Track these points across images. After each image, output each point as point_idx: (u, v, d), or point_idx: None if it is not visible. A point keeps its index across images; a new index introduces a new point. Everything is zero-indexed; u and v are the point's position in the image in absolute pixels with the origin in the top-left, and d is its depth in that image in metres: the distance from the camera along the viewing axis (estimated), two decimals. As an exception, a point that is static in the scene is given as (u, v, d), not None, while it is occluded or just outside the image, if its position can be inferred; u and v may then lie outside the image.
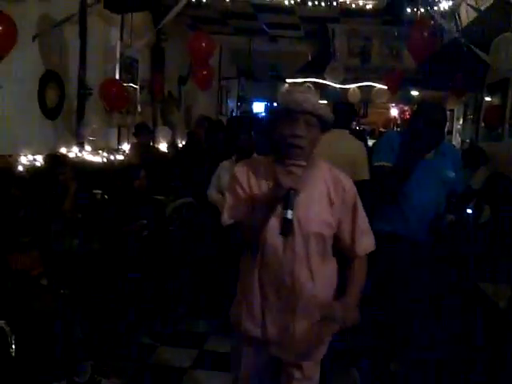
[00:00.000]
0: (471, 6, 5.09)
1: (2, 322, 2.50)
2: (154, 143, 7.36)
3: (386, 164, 2.92)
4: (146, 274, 3.84)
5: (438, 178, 2.88)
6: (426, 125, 2.80)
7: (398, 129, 13.04)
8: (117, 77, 6.32)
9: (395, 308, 2.97)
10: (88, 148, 5.67)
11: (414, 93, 9.53)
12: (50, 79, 4.99)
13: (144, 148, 6.12)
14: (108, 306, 3.33)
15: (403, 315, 2.98)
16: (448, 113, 10.73)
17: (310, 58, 10.22)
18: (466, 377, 3.11)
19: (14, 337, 2.48)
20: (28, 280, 2.99)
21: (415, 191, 2.85)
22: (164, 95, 8.01)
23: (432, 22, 5.29)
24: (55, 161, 4.14)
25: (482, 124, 7.65)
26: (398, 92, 8.50)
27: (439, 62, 6.78)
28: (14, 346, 2.47)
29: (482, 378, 2.98)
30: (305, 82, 9.14)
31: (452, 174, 2.91)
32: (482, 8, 5.12)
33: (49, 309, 2.89)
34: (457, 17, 5.95)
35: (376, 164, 3.00)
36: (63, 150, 5.15)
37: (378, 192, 2.97)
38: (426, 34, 5.18)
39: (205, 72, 6.84)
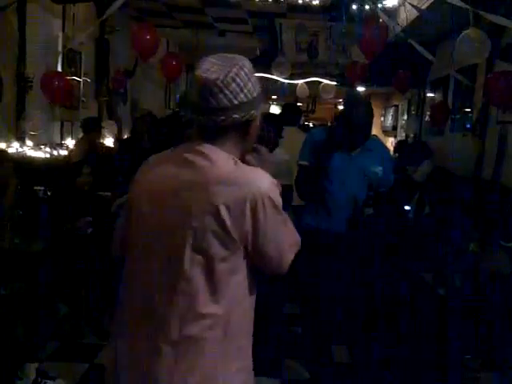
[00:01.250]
0: (412, 5, 5.23)
1: None
2: (99, 139, 7.17)
3: (303, 163, 3.13)
4: (91, 272, 3.76)
5: (362, 174, 2.99)
6: (345, 123, 2.94)
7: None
8: (59, 69, 6.11)
9: (320, 297, 3.08)
10: (29, 143, 5.46)
11: (361, 89, 9.73)
12: (-13, 71, 4.77)
13: (91, 143, 5.94)
14: (52, 306, 3.23)
15: (327, 304, 3.10)
16: (393, 108, 11.06)
17: (258, 52, 10.24)
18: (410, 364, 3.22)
19: None
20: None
21: (337, 187, 2.98)
22: (109, 89, 7.83)
23: (380, 20, 5.40)
24: (-7, 156, 3.96)
25: (426, 119, 7.90)
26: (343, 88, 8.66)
27: (383, 59, 6.95)
28: None
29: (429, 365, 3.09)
30: (253, 76, 9.15)
31: (378, 169, 3.04)
32: (423, 7, 5.27)
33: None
34: (400, 15, 6.11)
35: (299, 163, 3.19)
36: (2, 145, 4.94)
37: (301, 189, 3.15)
38: (377, 31, 5.28)
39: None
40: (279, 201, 1.41)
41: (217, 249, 1.33)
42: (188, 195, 1.35)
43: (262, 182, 1.37)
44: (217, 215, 1.31)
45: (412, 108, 9.29)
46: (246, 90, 1.37)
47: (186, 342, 1.35)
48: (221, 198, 1.32)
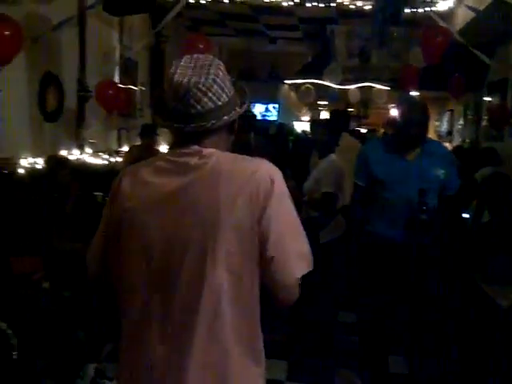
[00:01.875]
0: (469, 7, 5.09)
1: (4, 324, 2.50)
2: (155, 145, 7.36)
3: (360, 184, 3.10)
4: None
5: (424, 179, 2.89)
6: (404, 124, 2.87)
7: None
8: (116, 79, 6.32)
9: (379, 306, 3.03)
10: (88, 150, 5.67)
11: (414, 93, 9.55)
12: (50, 82, 4.99)
13: (146, 149, 6.10)
14: (110, 308, 3.33)
15: (386, 313, 3.05)
16: (448, 113, 10.77)
17: (309, 58, 10.23)
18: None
19: (16, 340, 2.48)
20: (29, 284, 2.99)
21: (396, 195, 2.89)
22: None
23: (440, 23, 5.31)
24: (56, 162, 4.14)
25: (483, 124, 7.66)
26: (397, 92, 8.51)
27: (438, 63, 6.80)
28: (15, 350, 2.46)
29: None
30: (304, 82, 9.15)
31: (440, 172, 2.93)
32: (481, 8, 5.13)
33: (50, 312, 2.89)
34: (455, 17, 5.97)
35: (355, 182, 3.16)
36: (64, 153, 5.15)
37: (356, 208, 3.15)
38: (438, 34, 5.19)
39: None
40: (286, 189, 1.33)
41: (238, 248, 1.25)
42: (197, 199, 1.26)
43: (267, 171, 1.30)
44: (235, 212, 1.24)
45: (468, 112, 9.03)
46: (226, 90, 1.32)
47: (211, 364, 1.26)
48: (232, 192, 1.25)
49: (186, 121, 1.29)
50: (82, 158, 5.46)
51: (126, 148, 6.70)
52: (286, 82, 10.48)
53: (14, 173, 4.12)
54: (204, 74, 1.29)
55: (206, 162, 1.29)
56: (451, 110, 10.47)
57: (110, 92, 5.56)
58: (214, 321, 1.24)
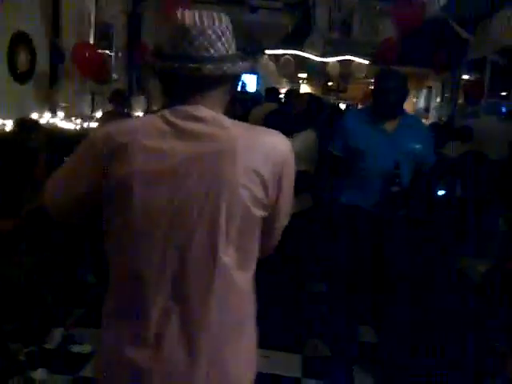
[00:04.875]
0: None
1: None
2: (129, 112, 7.22)
3: (337, 153, 3.09)
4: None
5: (400, 151, 2.90)
6: (381, 91, 2.87)
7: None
8: (91, 42, 6.14)
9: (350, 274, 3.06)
10: (60, 114, 5.52)
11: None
12: (21, 41, 4.81)
13: (117, 116, 5.99)
14: (81, 274, 3.29)
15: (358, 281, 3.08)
16: (425, 90, 10.81)
17: (289, 29, 10.09)
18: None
19: None
20: (5, 245, 2.91)
21: (372, 166, 2.89)
22: (140, 63, 7.84)
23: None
24: (25, 126, 4.01)
25: (460, 101, 7.71)
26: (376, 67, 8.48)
27: (420, 38, 6.78)
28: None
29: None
30: (284, 53, 9.04)
31: (418, 146, 2.94)
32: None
33: (23, 274, 2.83)
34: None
35: (331, 152, 3.15)
36: (35, 116, 5.00)
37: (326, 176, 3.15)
38: (410, 6, 5.15)
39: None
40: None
41: (251, 225, 1.24)
42: (208, 169, 1.18)
43: (285, 145, 1.28)
44: (248, 183, 1.19)
45: (446, 90, 9.07)
46: (233, 43, 1.26)
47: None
48: (251, 167, 1.19)
49: (198, 62, 1.20)
50: (54, 123, 5.31)
51: (99, 114, 6.55)
52: (265, 52, 10.34)
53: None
54: (217, 19, 1.22)
55: (219, 131, 1.21)
56: (429, 87, 10.51)
57: (87, 54, 5.40)
58: (227, 291, 1.23)
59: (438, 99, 9.64)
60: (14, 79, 4.76)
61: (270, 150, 1.25)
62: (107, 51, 6.72)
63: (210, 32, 1.21)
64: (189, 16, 1.21)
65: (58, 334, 3.18)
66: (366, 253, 3.05)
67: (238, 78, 1.32)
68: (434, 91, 10.17)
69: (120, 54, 7.15)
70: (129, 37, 7.46)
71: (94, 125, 6.05)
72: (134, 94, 7.81)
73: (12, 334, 2.98)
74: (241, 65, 1.26)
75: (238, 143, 1.21)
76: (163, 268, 1.20)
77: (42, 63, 5.19)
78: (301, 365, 3.32)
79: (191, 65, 1.20)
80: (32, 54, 4.98)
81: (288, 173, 1.29)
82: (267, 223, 1.30)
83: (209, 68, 1.20)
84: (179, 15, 1.22)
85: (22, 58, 4.84)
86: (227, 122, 1.24)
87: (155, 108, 8.30)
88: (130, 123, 1.27)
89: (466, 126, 5.84)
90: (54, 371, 2.95)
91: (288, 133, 1.43)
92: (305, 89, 11.93)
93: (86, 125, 5.90)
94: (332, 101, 9.97)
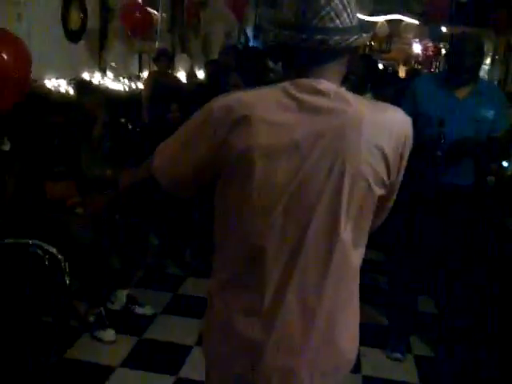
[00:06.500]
0: None
1: (54, 249, 2.46)
2: (172, 71, 7.13)
3: None
4: (175, 206, 3.81)
5: (473, 118, 2.80)
6: (458, 55, 2.75)
7: (419, 66, 12.66)
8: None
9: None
10: (110, 74, 5.50)
11: (442, 28, 9.16)
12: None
13: (163, 75, 5.86)
14: (142, 237, 3.33)
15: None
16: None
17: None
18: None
19: (67, 265, 2.45)
20: (64, 209, 2.96)
21: (448, 133, 2.79)
22: (183, 22, 7.71)
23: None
24: (83, 87, 4.01)
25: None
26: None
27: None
28: (68, 275, 2.44)
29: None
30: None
31: (490, 113, 2.83)
32: None
33: (86, 238, 2.88)
34: None
35: None
36: (86, 76, 4.99)
37: None
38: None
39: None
40: None
41: (371, 205, 1.23)
42: (331, 144, 1.15)
43: (407, 122, 1.25)
44: (371, 160, 1.17)
45: (497, 53, 8.70)
46: (356, 14, 1.19)
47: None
48: (372, 142, 1.16)
49: (323, 34, 1.14)
50: (104, 83, 5.30)
51: (146, 73, 6.51)
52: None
53: (48, 97, 3.99)
54: None
55: (343, 105, 1.16)
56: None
57: (137, 14, 5.33)
58: (342, 268, 1.23)
59: (488, 61, 9.27)
60: (67, 38, 4.73)
61: (394, 126, 1.22)
62: (152, 10, 6.60)
63: (337, 1, 1.14)
64: None
65: (122, 295, 3.25)
66: (428, 225, 3.00)
67: (356, 49, 1.26)
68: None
69: (164, 15, 7.03)
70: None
71: (140, 85, 6.03)
72: (176, 55, 7.72)
73: (77, 293, 3.06)
74: (364, 36, 1.20)
75: (362, 119, 1.17)
76: (282, 242, 1.19)
77: (93, 22, 5.13)
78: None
79: (319, 36, 1.14)
80: (84, 11, 4.92)
81: (407, 151, 1.26)
82: (381, 202, 1.28)
83: (336, 40, 1.14)
84: None
85: (74, 17, 4.80)
86: (349, 96, 1.20)
87: (196, 68, 8.21)
88: (250, 95, 1.21)
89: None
90: (119, 332, 3.03)
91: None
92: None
93: (133, 85, 5.88)
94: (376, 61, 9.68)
